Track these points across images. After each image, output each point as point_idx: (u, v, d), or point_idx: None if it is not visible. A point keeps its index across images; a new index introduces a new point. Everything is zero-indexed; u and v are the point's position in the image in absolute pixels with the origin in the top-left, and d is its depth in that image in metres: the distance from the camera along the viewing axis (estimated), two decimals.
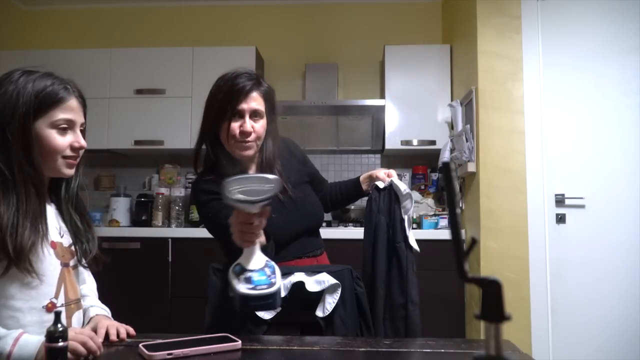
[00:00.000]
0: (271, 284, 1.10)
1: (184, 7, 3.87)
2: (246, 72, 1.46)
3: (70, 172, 1.19)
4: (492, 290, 0.60)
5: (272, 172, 1.45)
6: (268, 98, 1.49)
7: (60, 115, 1.13)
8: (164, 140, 3.43)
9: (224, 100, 1.43)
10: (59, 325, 0.91)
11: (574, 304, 2.63)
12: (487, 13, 2.76)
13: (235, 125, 1.43)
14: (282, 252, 1.43)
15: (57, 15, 3.94)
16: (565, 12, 2.76)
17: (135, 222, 3.51)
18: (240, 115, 1.43)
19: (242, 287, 1.08)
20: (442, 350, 1.12)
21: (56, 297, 1.14)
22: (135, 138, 3.43)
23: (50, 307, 1.12)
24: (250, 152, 1.47)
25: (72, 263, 1.21)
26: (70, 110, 1.15)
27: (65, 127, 1.14)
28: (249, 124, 1.43)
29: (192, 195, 1.54)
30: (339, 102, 3.51)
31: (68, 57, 3.43)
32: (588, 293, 2.63)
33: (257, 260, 1.14)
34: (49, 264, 1.12)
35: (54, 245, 1.15)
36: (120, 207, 3.47)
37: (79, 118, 1.17)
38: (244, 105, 1.43)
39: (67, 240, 1.21)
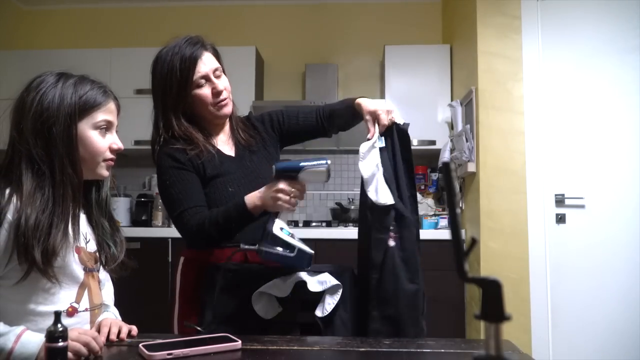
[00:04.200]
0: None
1: (184, 7, 3.88)
2: (186, 39, 1.46)
3: (107, 174, 1.21)
4: (492, 290, 0.60)
5: (241, 131, 1.55)
6: (217, 55, 1.50)
7: (102, 116, 1.16)
8: None
9: (184, 73, 1.43)
10: (59, 325, 0.90)
11: (574, 303, 2.63)
12: (487, 13, 2.76)
13: (206, 90, 1.45)
14: (238, 234, 1.37)
15: (57, 15, 3.94)
16: (565, 12, 2.76)
17: (135, 222, 3.51)
18: (206, 79, 1.45)
19: (305, 247, 1.28)
20: (442, 350, 1.12)
21: (77, 301, 1.13)
22: (135, 138, 3.42)
23: (70, 312, 1.12)
24: (229, 109, 1.50)
25: (96, 268, 1.21)
26: (109, 112, 1.18)
27: (105, 128, 1.17)
28: (218, 83, 1.45)
29: (157, 158, 1.49)
30: None
31: (68, 57, 3.42)
32: (588, 293, 2.63)
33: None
34: (72, 269, 1.12)
35: (78, 250, 1.15)
36: (120, 207, 3.47)
37: (115, 120, 1.21)
38: (205, 69, 1.44)
39: (91, 246, 1.21)
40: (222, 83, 1.47)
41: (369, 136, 1.41)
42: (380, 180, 1.35)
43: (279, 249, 1.27)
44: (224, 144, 1.55)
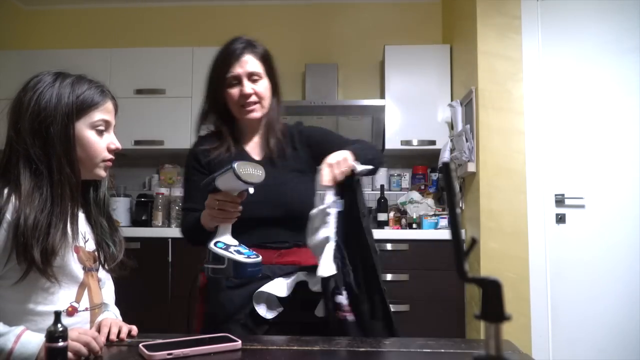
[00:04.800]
0: (257, 255, 1.24)
1: (184, 7, 3.87)
2: (239, 38, 1.49)
3: (105, 174, 1.20)
4: (492, 290, 0.60)
5: (274, 139, 1.51)
6: (264, 60, 1.51)
7: (99, 116, 1.15)
8: (164, 140, 3.43)
9: (220, 69, 1.47)
10: (59, 325, 0.90)
11: (574, 303, 2.63)
12: (487, 13, 2.76)
13: (235, 91, 1.47)
14: (244, 236, 1.37)
15: (57, 15, 3.94)
16: (565, 12, 2.76)
17: (135, 222, 3.51)
18: (238, 80, 1.46)
19: (238, 257, 1.21)
20: (442, 350, 1.12)
21: (77, 301, 1.13)
22: (135, 138, 3.43)
23: (70, 312, 1.11)
24: (256, 114, 1.49)
25: (95, 268, 1.20)
26: (107, 111, 1.17)
27: (103, 128, 1.16)
28: (247, 86, 1.46)
29: (188, 153, 1.56)
30: (339, 102, 3.51)
31: (68, 57, 3.43)
32: (588, 293, 2.63)
33: (232, 237, 1.28)
34: (72, 269, 1.12)
35: (77, 250, 1.14)
36: (120, 207, 3.47)
37: (113, 120, 1.20)
38: (239, 70, 1.46)
39: (90, 245, 1.20)
40: (256, 87, 1.47)
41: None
42: (329, 252, 1.24)
43: (215, 263, 1.23)
44: (255, 146, 1.55)
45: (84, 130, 1.13)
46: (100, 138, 1.16)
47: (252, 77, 1.47)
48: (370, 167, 1.32)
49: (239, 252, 1.23)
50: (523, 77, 2.72)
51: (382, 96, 3.49)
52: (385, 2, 3.78)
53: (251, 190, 1.26)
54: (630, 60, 2.68)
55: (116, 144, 1.19)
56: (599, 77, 2.71)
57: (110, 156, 1.18)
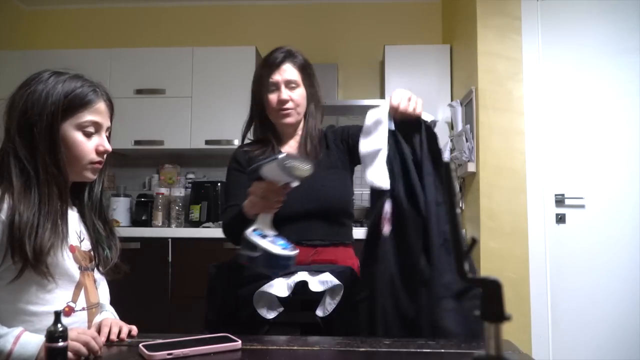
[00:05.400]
0: (293, 247, 1.25)
1: (184, 7, 3.88)
2: (281, 48, 1.59)
3: (93, 177, 1.18)
4: (492, 290, 0.60)
5: (311, 143, 1.56)
6: (303, 70, 1.58)
7: (88, 117, 1.12)
8: (164, 140, 3.43)
9: (261, 76, 1.56)
10: (59, 325, 0.90)
11: (574, 303, 2.63)
12: (487, 13, 2.76)
13: (273, 97, 1.54)
14: (280, 233, 1.38)
15: (57, 15, 3.94)
16: (565, 12, 2.76)
17: (135, 222, 3.51)
18: (276, 86, 1.53)
19: (271, 247, 1.21)
20: (442, 350, 1.12)
21: (74, 301, 1.13)
22: (135, 138, 3.43)
23: (67, 311, 1.11)
24: (291, 120, 1.56)
25: (91, 267, 1.19)
26: (98, 113, 1.14)
27: (92, 130, 1.14)
28: (285, 93, 1.53)
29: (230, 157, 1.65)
30: (339, 102, 3.51)
31: (68, 57, 3.41)
32: (588, 293, 2.63)
33: (272, 228, 1.29)
34: (67, 267, 1.11)
35: (72, 249, 1.14)
36: (120, 207, 3.47)
37: (105, 122, 1.17)
38: (278, 77, 1.54)
39: (86, 245, 1.19)
40: (292, 95, 1.53)
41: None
42: (381, 161, 1.25)
43: (248, 250, 1.24)
44: (292, 150, 1.59)
45: (71, 131, 1.11)
46: (87, 140, 1.13)
47: (289, 84, 1.54)
48: (434, 119, 1.37)
49: (274, 242, 1.24)
50: (523, 77, 2.72)
51: (382, 96, 3.49)
52: (385, 2, 3.78)
53: (294, 184, 1.27)
54: (630, 61, 2.68)
55: (105, 146, 1.16)
56: (598, 77, 2.71)
57: (98, 158, 1.15)
